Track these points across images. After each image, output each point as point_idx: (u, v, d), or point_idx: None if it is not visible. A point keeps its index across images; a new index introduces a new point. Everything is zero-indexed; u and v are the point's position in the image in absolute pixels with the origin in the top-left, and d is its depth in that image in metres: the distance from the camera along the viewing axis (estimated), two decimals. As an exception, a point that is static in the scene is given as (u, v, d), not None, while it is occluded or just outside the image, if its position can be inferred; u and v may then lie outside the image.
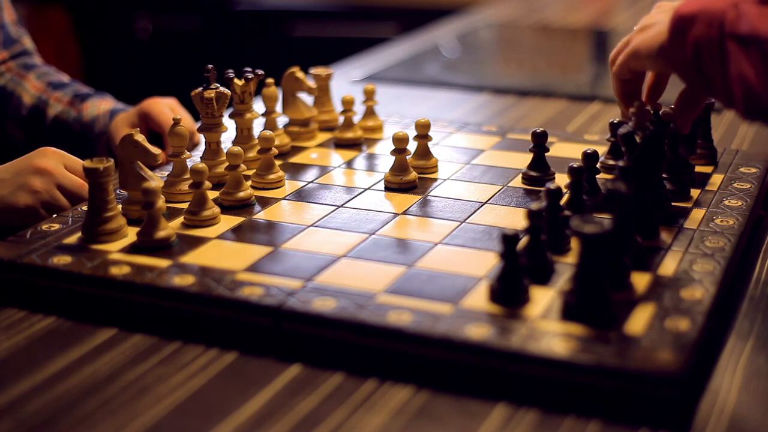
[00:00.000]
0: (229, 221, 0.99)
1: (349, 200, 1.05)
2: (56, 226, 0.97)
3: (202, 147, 1.18)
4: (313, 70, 1.34)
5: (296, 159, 1.20)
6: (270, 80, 1.23)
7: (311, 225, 0.98)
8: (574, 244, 0.83)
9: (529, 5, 2.58)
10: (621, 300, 0.80)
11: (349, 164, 1.18)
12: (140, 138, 0.98)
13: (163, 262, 0.89)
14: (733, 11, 0.81)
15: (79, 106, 1.32)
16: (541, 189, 1.03)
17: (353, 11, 3.25)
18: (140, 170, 0.98)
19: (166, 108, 1.26)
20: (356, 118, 1.28)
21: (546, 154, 1.09)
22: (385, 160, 1.18)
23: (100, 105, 1.32)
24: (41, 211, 1.04)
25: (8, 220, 1.03)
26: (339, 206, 1.03)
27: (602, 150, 1.14)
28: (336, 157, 1.20)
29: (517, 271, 0.80)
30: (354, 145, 1.25)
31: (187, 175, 1.05)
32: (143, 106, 1.26)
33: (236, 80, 1.16)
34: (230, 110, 1.20)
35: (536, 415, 0.71)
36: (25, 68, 1.37)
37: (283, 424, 0.70)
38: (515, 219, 0.99)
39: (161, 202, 0.93)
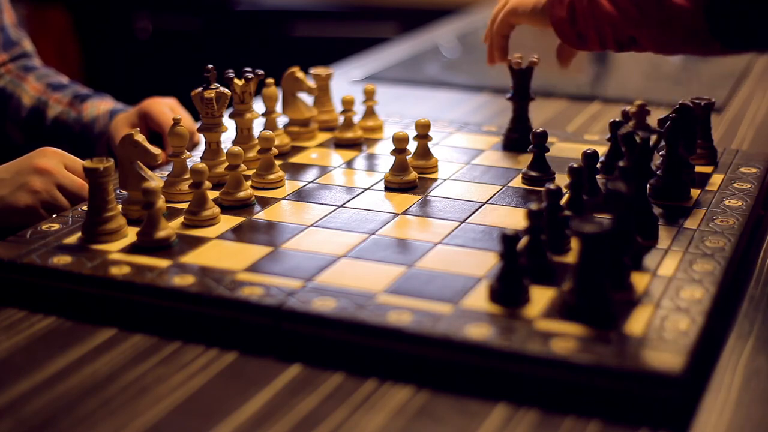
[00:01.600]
0: (229, 221, 0.99)
1: (349, 200, 1.05)
2: (56, 226, 0.97)
3: (202, 147, 1.18)
4: (313, 70, 1.34)
5: (296, 159, 1.20)
6: (270, 80, 1.23)
7: (311, 225, 0.98)
8: (574, 244, 0.83)
9: (529, 5, 2.58)
10: (621, 300, 0.80)
11: (349, 164, 1.18)
12: (140, 138, 0.98)
13: (163, 262, 0.89)
14: None
15: (78, 106, 1.32)
16: (541, 189, 1.03)
17: (353, 11, 3.25)
18: (140, 170, 0.98)
19: (166, 108, 1.26)
20: (356, 118, 1.28)
21: (546, 154, 1.09)
22: (385, 160, 1.18)
23: (100, 105, 1.32)
24: (41, 211, 1.04)
25: (8, 220, 1.03)
26: (339, 206, 1.03)
27: (602, 150, 1.14)
28: (336, 157, 1.20)
29: (517, 271, 0.80)
30: (354, 145, 1.25)
31: (187, 175, 1.05)
32: (143, 106, 1.26)
33: (236, 80, 1.16)
34: (230, 110, 1.20)
35: (536, 415, 0.71)
36: (25, 70, 1.37)
37: (283, 424, 0.70)
38: (515, 219, 0.99)
39: (161, 202, 0.93)
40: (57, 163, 1.06)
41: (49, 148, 1.08)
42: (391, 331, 0.77)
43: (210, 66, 1.12)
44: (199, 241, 0.94)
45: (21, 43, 1.40)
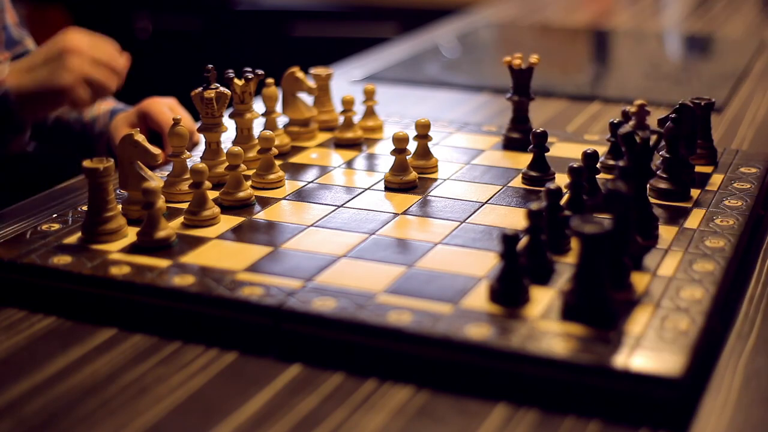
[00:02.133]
0: (229, 221, 0.99)
1: (349, 200, 1.05)
2: (56, 226, 0.97)
3: (202, 147, 1.18)
4: (313, 70, 1.34)
5: (296, 159, 1.20)
6: (270, 80, 1.22)
7: (311, 225, 0.98)
8: (574, 244, 0.83)
9: (529, 5, 2.58)
10: (621, 300, 0.80)
11: (349, 164, 1.18)
12: (140, 138, 0.98)
13: (163, 262, 0.89)
14: None
15: None
16: (541, 189, 1.03)
17: (353, 11, 3.25)
18: (140, 170, 0.98)
19: (165, 108, 1.26)
20: (356, 118, 1.28)
21: (546, 154, 1.09)
22: (385, 160, 1.18)
23: (100, 105, 1.32)
24: (84, 88, 1.02)
25: (54, 103, 1.01)
26: (339, 206, 1.03)
27: (602, 150, 1.14)
28: (336, 157, 1.20)
29: (517, 271, 0.80)
30: (354, 145, 1.25)
31: (187, 175, 1.05)
32: (143, 106, 1.26)
33: (236, 80, 1.16)
34: (230, 110, 1.19)
35: (536, 415, 0.71)
36: None
37: (283, 424, 0.70)
38: (515, 219, 0.99)
39: (161, 202, 0.93)
40: (84, 42, 1.04)
41: (70, 29, 1.07)
42: (391, 331, 0.77)
43: (210, 66, 1.12)
44: (199, 241, 0.94)
45: (23, 42, 1.40)
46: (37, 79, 1.02)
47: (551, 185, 0.88)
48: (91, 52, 1.03)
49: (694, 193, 1.04)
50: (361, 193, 1.07)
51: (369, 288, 0.83)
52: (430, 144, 1.14)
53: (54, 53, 1.03)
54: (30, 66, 1.04)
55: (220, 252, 0.92)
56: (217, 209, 0.99)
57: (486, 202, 1.04)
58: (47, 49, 1.04)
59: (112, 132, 1.27)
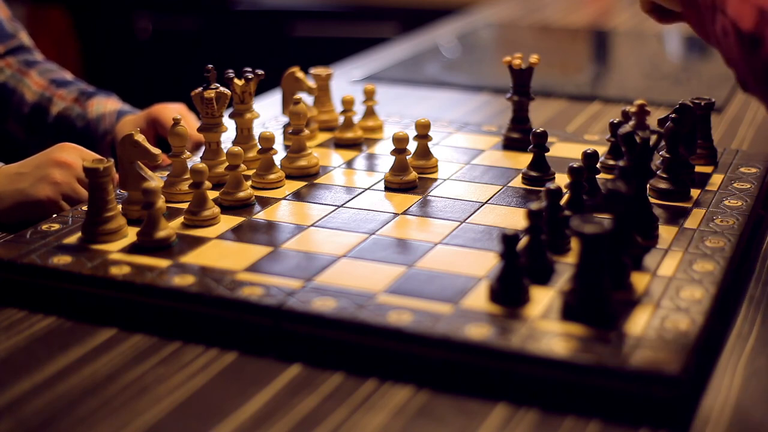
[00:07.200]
0: (229, 221, 0.99)
1: (349, 200, 1.05)
2: (56, 226, 0.97)
3: (202, 147, 1.18)
4: (313, 70, 1.34)
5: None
6: (298, 97, 1.15)
7: (311, 225, 0.98)
8: (574, 244, 0.83)
9: (529, 5, 2.58)
10: (621, 300, 0.80)
11: (349, 164, 1.18)
12: (140, 138, 0.98)
13: (163, 262, 0.89)
14: None
15: (84, 102, 1.32)
16: (541, 189, 1.03)
17: (353, 11, 3.25)
18: (140, 170, 0.99)
19: (175, 114, 1.25)
20: (356, 118, 1.28)
21: (546, 154, 1.09)
22: (385, 160, 1.18)
23: (107, 104, 1.31)
24: (62, 203, 1.04)
25: (29, 214, 1.03)
26: (339, 206, 1.03)
27: (602, 150, 1.14)
28: (336, 157, 1.20)
29: (517, 271, 0.80)
30: (354, 145, 1.25)
31: (187, 175, 1.05)
32: (152, 111, 1.26)
33: (236, 80, 1.15)
34: (230, 110, 1.19)
35: (536, 415, 0.71)
36: (26, 65, 1.36)
37: (283, 424, 0.70)
38: (515, 219, 0.99)
39: (161, 202, 0.93)
40: (76, 157, 1.07)
41: (67, 144, 1.09)
42: (391, 331, 0.77)
43: (210, 66, 1.12)
44: (199, 241, 0.94)
45: (18, 35, 1.39)
46: (17, 187, 1.04)
47: (551, 185, 0.88)
48: (77, 170, 1.05)
49: (694, 193, 1.04)
50: (361, 193, 1.07)
51: (369, 288, 0.83)
52: (430, 144, 1.14)
53: (44, 162, 1.05)
54: (18, 170, 1.06)
55: (220, 252, 0.92)
56: (217, 209, 0.99)
57: (486, 202, 1.04)
58: (41, 156, 1.06)
59: (118, 134, 1.26)
